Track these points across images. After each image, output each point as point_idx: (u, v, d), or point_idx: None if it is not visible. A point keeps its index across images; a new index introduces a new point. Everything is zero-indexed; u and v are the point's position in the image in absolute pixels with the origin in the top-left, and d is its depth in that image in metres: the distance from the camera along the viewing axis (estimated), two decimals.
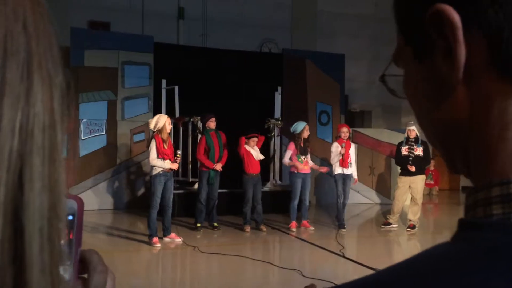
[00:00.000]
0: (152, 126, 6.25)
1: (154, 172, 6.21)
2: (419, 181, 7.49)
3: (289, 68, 10.58)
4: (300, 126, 7.30)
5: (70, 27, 8.93)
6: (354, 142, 10.81)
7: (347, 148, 7.42)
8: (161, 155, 6.15)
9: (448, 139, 0.42)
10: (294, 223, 7.37)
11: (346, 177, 7.46)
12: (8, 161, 0.31)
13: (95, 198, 9.00)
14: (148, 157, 6.28)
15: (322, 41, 11.87)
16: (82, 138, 9.06)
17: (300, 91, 10.64)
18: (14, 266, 0.31)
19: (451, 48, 0.38)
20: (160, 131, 6.20)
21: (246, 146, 7.34)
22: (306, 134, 7.34)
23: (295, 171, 7.29)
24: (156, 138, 6.17)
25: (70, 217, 0.55)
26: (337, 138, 7.66)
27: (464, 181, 14.04)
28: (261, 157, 7.57)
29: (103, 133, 9.26)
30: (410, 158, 7.46)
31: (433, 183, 13.21)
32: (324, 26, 12.07)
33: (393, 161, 10.61)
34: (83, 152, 9.06)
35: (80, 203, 0.56)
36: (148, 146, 6.34)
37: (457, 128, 0.41)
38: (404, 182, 7.53)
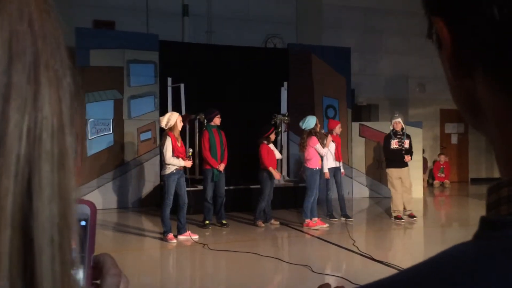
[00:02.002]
0: (163, 124, 6.27)
1: (168, 170, 6.21)
2: (407, 171, 7.77)
3: (294, 63, 10.54)
4: (312, 121, 7.25)
5: (74, 27, 8.95)
6: (361, 136, 10.83)
7: (339, 143, 7.70)
8: (176, 153, 6.18)
9: (472, 119, 0.42)
10: (311, 222, 7.18)
11: (337, 170, 7.70)
12: (16, 167, 0.30)
13: (102, 198, 9.04)
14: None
15: (328, 34, 11.80)
16: (89, 138, 9.09)
17: (306, 86, 10.59)
18: (24, 278, 0.29)
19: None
20: (172, 128, 6.21)
21: (269, 145, 7.39)
22: (318, 127, 7.36)
23: (315, 168, 7.18)
24: (170, 136, 6.18)
25: (83, 223, 0.54)
26: (330, 133, 7.65)
27: (473, 173, 13.95)
28: (280, 156, 7.74)
29: (109, 133, 9.29)
30: (403, 151, 7.65)
31: (444, 176, 13.12)
32: (329, 20, 12.00)
33: None
34: (90, 151, 9.09)
35: (93, 208, 0.55)
36: (162, 144, 6.31)
37: (476, 112, 0.40)
38: (397, 175, 7.71)
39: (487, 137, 0.41)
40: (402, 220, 7.70)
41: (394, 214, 7.81)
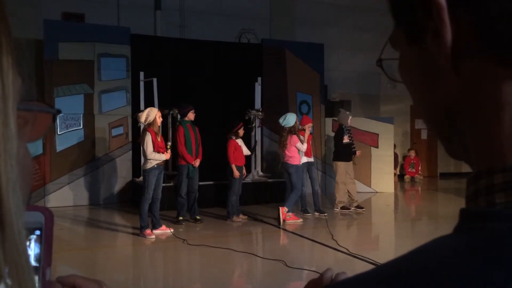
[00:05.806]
0: (142, 119, 6.28)
1: (149, 165, 6.22)
2: (352, 165, 8.34)
3: (268, 58, 10.53)
4: (292, 119, 7.32)
5: (43, 19, 8.69)
6: (334, 132, 10.93)
7: (309, 139, 7.74)
8: (156, 148, 6.19)
9: (444, 124, 0.41)
10: (287, 216, 7.30)
11: (310, 165, 7.83)
12: None
13: (73, 194, 8.86)
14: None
15: (301, 30, 11.84)
16: (59, 133, 8.87)
17: (280, 81, 10.61)
18: None
19: (438, 29, 0.36)
20: (151, 124, 6.24)
21: (237, 140, 7.36)
22: (297, 125, 7.44)
23: (298, 164, 7.28)
24: (150, 132, 6.20)
25: (37, 232, 0.49)
26: (300, 130, 7.63)
27: (442, 168, 14.30)
28: (248, 152, 7.77)
29: (80, 128, 9.08)
30: (353, 146, 8.22)
31: (414, 171, 13.40)
32: (303, 16, 12.04)
33: (373, 149, 10.73)
34: (59, 147, 8.88)
35: (49, 215, 0.50)
36: (142, 140, 6.28)
37: (451, 112, 0.39)
38: (344, 168, 8.16)
39: (448, 125, 0.40)
40: (350, 210, 8.16)
41: (340, 205, 8.21)
